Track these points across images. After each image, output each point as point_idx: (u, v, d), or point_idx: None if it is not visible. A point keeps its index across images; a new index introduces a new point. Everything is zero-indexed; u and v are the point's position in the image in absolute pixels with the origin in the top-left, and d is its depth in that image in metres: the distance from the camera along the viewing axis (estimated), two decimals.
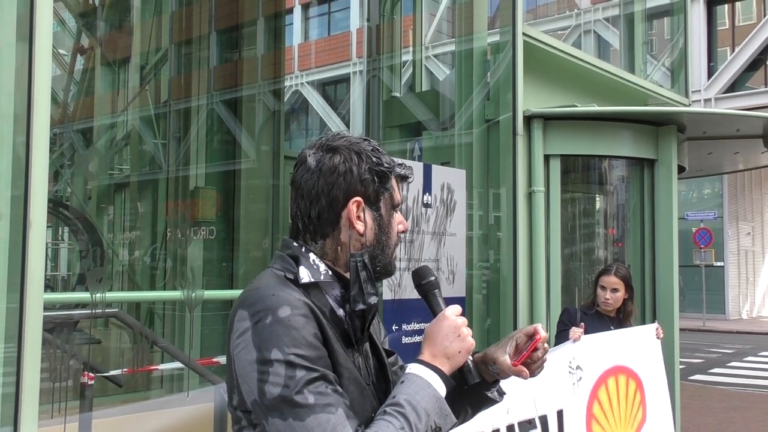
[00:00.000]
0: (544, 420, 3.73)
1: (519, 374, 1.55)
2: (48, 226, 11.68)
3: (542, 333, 1.55)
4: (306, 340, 1.35)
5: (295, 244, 1.51)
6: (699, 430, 8.24)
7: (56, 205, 10.44)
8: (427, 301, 1.56)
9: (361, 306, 1.44)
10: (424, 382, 1.40)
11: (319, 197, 1.49)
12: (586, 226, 6.24)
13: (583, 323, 4.06)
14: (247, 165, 7.44)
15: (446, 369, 1.44)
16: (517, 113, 4.86)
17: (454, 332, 1.45)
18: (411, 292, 4.10)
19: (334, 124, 23.12)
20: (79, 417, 4.34)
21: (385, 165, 1.53)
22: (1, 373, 2.58)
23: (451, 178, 4.44)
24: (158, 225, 8.25)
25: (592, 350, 4.04)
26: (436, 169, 4.38)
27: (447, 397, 1.47)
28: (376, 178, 1.51)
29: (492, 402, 1.64)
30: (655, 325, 4.54)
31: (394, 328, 3.91)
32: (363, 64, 8.27)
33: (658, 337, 4.44)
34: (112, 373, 4.53)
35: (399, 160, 1.62)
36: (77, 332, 7.09)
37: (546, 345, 1.56)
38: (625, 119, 5.31)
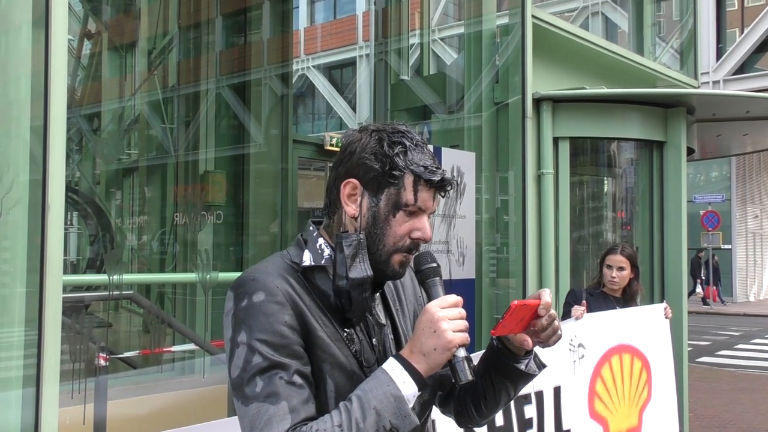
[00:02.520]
0: (539, 395, 3.73)
1: (522, 344, 1.47)
2: None
3: (544, 298, 1.43)
4: (273, 328, 1.35)
5: (311, 227, 1.51)
6: (706, 411, 8.28)
7: (66, 190, 10.48)
8: (425, 289, 1.46)
9: (341, 282, 1.41)
10: (387, 378, 1.32)
11: (333, 172, 1.51)
12: (595, 209, 6.25)
13: (585, 302, 4.07)
14: (255, 149, 7.46)
15: (422, 367, 1.33)
16: (526, 96, 4.87)
17: (430, 327, 1.33)
18: None
19: (341, 108, 23.09)
20: (95, 398, 4.39)
21: (394, 156, 1.43)
22: (22, 355, 2.63)
23: (460, 160, 4.47)
24: (167, 209, 8.29)
25: (596, 328, 4.04)
26: (446, 152, 4.41)
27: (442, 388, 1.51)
28: (377, 166, 1.43)
29: (529, 375, 1.54)
30: (663, 304, 4.53)
31: None
32: (370, 48, 8.24)
33: (666, 317, 4.44)
34: (127, 354, 4.60)
35: (447, 173, 1.46)
36: (89, 315, 7.16)
37: (552, 312, 1.43)
38: (634, 101, 5.31)
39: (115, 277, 2.89)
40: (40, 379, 2.56)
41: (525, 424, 3.61)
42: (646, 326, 4.35)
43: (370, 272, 1.41)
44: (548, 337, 1.45)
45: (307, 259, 1.45)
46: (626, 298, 4.40)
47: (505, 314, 1.39)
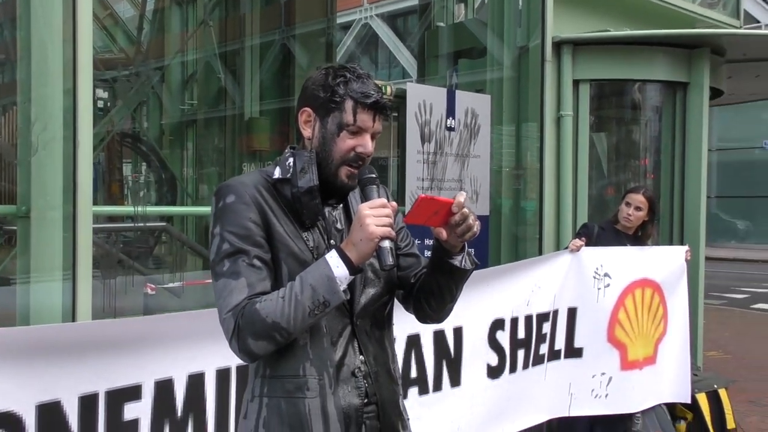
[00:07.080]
0: (554, 314, 4.13)
1: (438, 235, 1.73)
2: (127, 162, 12.42)
3: (457, 198, 1.68)
4: (239, 222, 1.71)
5: (287, 151, 1.86)
6: (748, 353, 8.40)
7: (134, 140, 11.12)
8: (363, 194, 1.78)
9: (294, 190, 1.76)
10: (324, 263, 1.66)
11: (296, 107, 1.88)
12: (617, 153, 6.31)
13: (584, 238, 4.27)
14: None
15: (353, 255, 1.65)
16: (545, 39, 4.99)
17: (358, 222, 1.65)
18: None
19: (404, 57, 23.01)
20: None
21: (335, 86, 1.76)
22: (60, 277, 3.04)
23: (475, 103, 4.67)
24: (231, 159, 8.70)
25: (623, 261, 4.34)
26: (460, 95, 4.61)
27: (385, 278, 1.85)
28: (322, 95, 1.77)
29: (463, 271, 1.79)
30: (686, 247, 4.70)
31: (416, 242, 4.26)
32: None
33: (686, 260, 4.63)
34: (171, 285, 5.04)
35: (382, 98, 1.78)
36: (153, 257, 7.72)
37: (465, 210, 1.68)
38: (657, 43, 5.31)
39: (140, 208, 3.26)
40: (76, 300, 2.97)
41: (541, 338, 4.05)
42: (667, 265, 4.57)
43: (315, 182, 1.76)
44: (463, 232, 1.71)
45: (277, 173, 1.81)
46: (637, 237, 4.54)
47: (413, 205, 1.69)
